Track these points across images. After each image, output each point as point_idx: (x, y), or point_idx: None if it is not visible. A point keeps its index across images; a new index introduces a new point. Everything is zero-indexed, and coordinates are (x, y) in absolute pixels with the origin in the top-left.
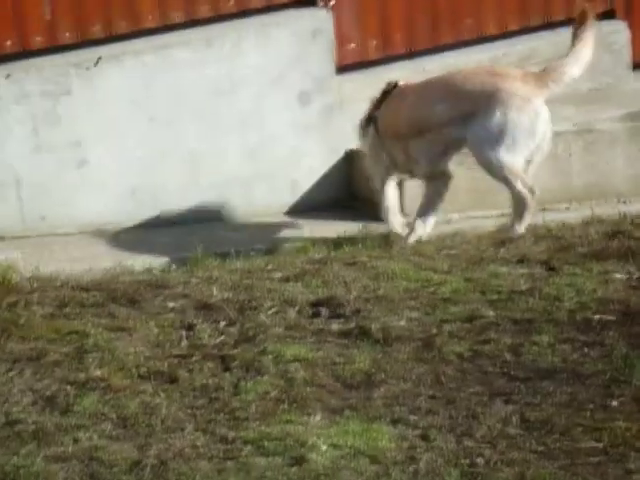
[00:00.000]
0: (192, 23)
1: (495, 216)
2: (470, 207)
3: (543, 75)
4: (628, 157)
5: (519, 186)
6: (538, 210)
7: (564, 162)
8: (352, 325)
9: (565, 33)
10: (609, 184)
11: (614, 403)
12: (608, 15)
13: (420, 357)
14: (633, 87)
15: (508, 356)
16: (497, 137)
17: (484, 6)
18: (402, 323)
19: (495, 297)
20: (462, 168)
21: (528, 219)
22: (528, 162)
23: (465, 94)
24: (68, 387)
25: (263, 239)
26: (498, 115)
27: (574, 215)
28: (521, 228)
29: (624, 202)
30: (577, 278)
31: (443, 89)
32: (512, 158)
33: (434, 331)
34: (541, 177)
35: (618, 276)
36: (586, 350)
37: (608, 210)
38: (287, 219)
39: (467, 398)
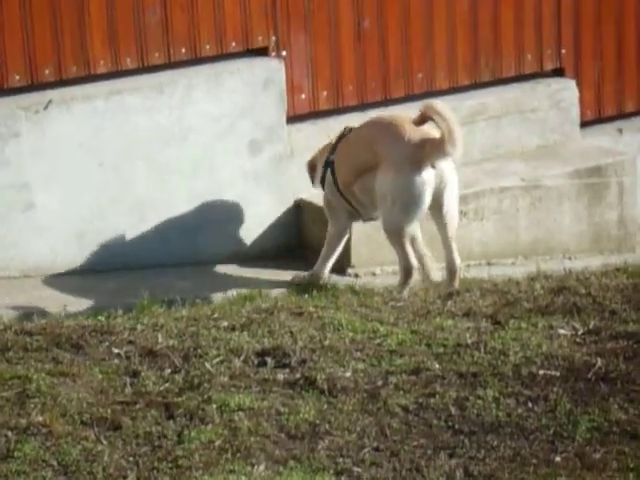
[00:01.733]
0: (144, 69)
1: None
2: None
3: (437, 142)
4: (575, 214)
5: (402, 253)
6: (484, 264)
7: (511, 217)
8: (298, 375)
9: (515, 89)
10: (555, 240)
11: (557, 459)
12: (557, 73)
13: (365, 409)
14: (581, 144)
15: (453, 410)
16: (388, 200)
17: (435, 61)
18: (348, 374)
19: (441, 350)
20: None
21: (406, 286)
22: (440, 229)
23: (373, 146)
24: (9, 433)
25: (210, 287)
26: (387, 178)
27: (520, 270)
28: (401, 294)
29: (570, 258)
30: (522, 333)
31: (366, 136)
32: (399, 224)
33: (379, 383)
34: (488, 232)
35: (563, 332)
36: (531, 405)
37: (554, 266)
38: (235, 267)
39: (411, 451)
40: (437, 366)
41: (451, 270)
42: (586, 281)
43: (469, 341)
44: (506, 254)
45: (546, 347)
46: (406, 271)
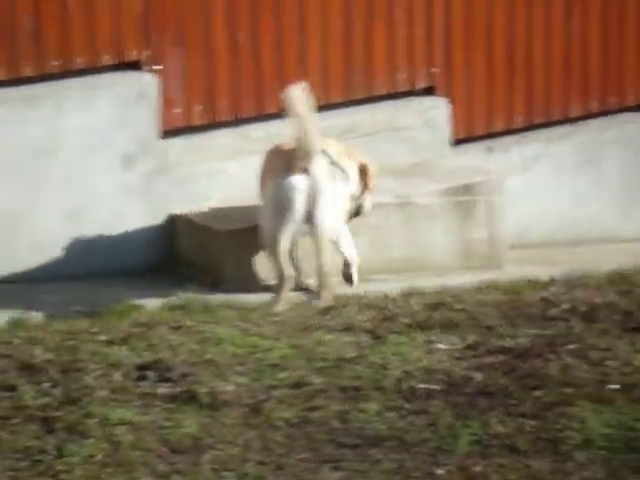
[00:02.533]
0: (14, 81)
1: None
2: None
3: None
4: (446, 231)
5: (275, 262)
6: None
7: (384, 234)
8: (179, 389)
9: (387, 107)
10: (427, 257)
11: (439, 471)
12: (429, 91)
13: (248, 422)
14: (452, 163)
15: (336, 423)
16: (262, 209)
17: (309, 77)
18: (230, 388)
19: (322, 364)
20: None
21: (281, 296)
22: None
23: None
24: None
25: (85, 301)
26: (262, 189)
27: (394, 286)
28: (277, 304)
29: (441, 275)
30: (402, 347)
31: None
32: (271, 231)
33: (262, 397)
34: (360, 248)
35: (442, 346)
36: (412, 418)
37: (426, 282)
38: (107, 281)
39: (295, 464)
40: (319, 380)
41: (320, 283)
42: (461, 297)
43: (350, 355)
44: (378, 270)
45: (426, 361)
46: (279, 280)
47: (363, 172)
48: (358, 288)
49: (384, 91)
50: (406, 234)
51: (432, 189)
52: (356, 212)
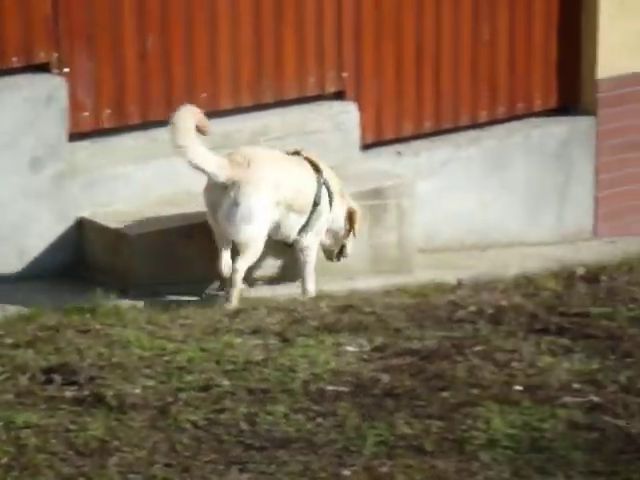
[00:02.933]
0: None
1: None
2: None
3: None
4: (356, 235)
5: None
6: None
7: None
8: (86, 392)
9: (298, 111)
10: None
11: (346, 472)
12: (339, 96)
13: (155, 425)
14: (362, 167)
15: (243, 425)
16: None
17: (219, 81)
18: (137, 391)
19: (230, 367)
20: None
21: (232, 296)
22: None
23: None
24: None
25: None
26: None
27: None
28: (229, 303)
29: (351, 278)
30: (311, 350)
31: None
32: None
33: (169, 399)
34: (268, 253)
35: (350, 349)
36: (320, 420)
37: (337, 286)
38: (15, 285)
39: (202, 467)
40: (227, 382)
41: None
42: (370, 300)
43: (258, 358)
44: (292, 274)
45: (334, 364)
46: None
47: (350, 216)
48: (268, 291)
49: (294, 95)
50: None
51: None
52: (339, 253)
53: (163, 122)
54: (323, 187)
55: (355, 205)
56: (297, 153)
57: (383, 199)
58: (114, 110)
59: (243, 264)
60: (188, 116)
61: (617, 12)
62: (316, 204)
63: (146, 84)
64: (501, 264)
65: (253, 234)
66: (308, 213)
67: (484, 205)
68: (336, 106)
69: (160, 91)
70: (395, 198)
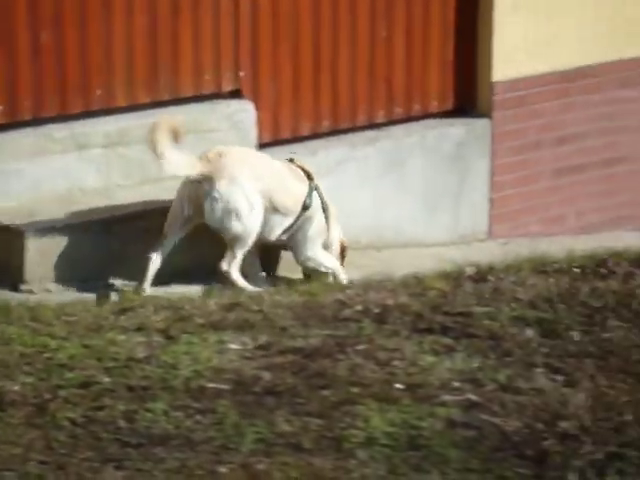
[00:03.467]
0: None
1: None
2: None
3: None
4: None
5: None
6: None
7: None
8: None
9: (194, 109)
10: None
11: (222, 469)
12: (236, 94)
13: (32, 422)
14: None
15: (122, 422)
16: None
17: (114, 78)
18: (16, 388)
19: (112, 364)
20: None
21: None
22: None
23: None
24: None
25: None
26: None
27: (196, 288)
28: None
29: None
30: (194, 347)
31: None
32: None
33: (48, 396)
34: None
35: (233, 346)
36: (199, 417)
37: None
38: None
39: (78, 464)
40: (107, 380)
41: None
42: (258, 298)
43: (140, 355)
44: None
45: (216, 361)
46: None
47: (342, 248)
48: (159, 290)
49: (191, 93)
50: (204, 236)
51: None
52: None
53: (57, 118)
54: (315, 194)
55: (344, 238)
56: (291, 161)
57: None
58: (6, 106)
59: (229, 264)
60: (161, 127)
61: (512, 14)
62: (306, 207)
63: (39, 80)
64: (395, 264)
65: (240, 228)
66: (295, 215)
67: (380, 205)
68: (233, 105)
69: (54, 88)
70: None
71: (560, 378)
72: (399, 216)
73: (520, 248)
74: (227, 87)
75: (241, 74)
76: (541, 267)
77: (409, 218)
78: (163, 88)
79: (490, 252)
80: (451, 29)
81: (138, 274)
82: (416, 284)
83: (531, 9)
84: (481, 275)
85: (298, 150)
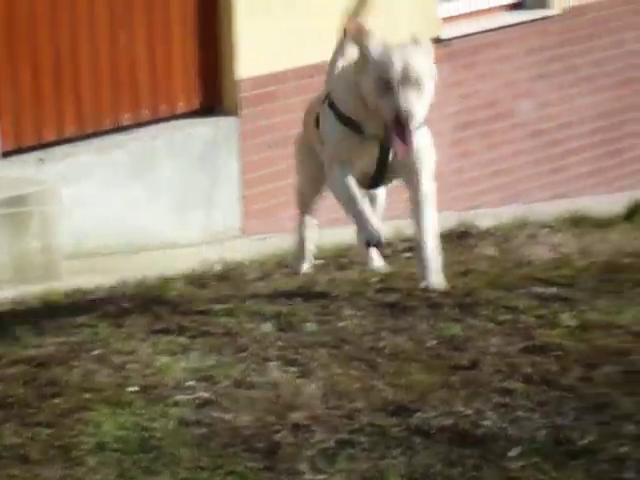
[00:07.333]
0: None
1: None
2: None
3: None
4: None
5: None
6: None
7: None
8: None
9: None
10: None
11: None
12: None
13: None
14: (2, 174)
15: None
16: None
17: None
18: None
19: None
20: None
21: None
22: None
23: None
24: None
25: None
26: None
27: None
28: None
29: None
30: None
31: None
32: None
33: None
34: None
35: None
36: None
37: None
38: None
39: None
40: None
41: None
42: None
43: None
44: None
45: None
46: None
47: None
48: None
49: None
50: None
51: None
52: None
53: None
54: None
55: None
56: None
57: (26, 206)
58: None
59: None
60: None
61: (252, 13)
62: None
63: None
64: (148, 266)
65: None
66: None
67: (132, 208)
68: None
69: None
70: (38, 205)
71: (294, 370)
72: (152, 218)
73: (280, 243)
74: None
75: None
76: (285, 262)
77: (162, 220)
78: None
79: (245, 249)
80: (192, 30)
81: None
82: (157, 285)
83: (270, 8)
84: (225, 273)
85: (45, 157)
